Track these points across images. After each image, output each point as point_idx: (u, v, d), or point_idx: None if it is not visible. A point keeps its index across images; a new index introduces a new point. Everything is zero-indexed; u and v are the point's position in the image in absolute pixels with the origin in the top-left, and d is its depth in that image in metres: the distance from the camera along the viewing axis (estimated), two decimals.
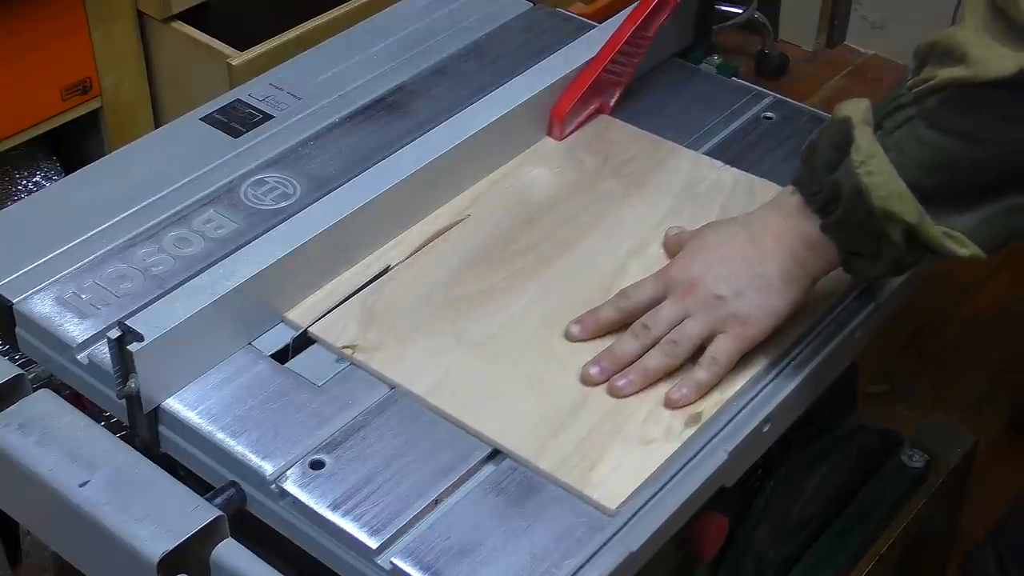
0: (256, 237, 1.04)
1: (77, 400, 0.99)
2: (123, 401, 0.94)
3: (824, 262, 0.96)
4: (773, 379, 0.97)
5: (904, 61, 2.56)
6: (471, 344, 0.98)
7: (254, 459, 0.90)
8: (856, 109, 0.91)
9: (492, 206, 1.11)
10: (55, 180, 1.73)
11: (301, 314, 1.00)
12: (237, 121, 1.19)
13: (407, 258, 1.06)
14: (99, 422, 0.94)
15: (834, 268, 0.96)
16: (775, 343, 0.97)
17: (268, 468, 0.89)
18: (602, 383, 0.95)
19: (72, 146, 1.79)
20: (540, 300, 1.02)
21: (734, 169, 1.15)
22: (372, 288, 1.03)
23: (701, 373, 0.94)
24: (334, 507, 0.87)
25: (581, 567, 0.84)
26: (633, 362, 0.95)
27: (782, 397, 0.96)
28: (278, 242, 1.01)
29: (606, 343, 0.97)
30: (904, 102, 0.90)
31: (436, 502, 0.87)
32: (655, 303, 0.97)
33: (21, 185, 1.74)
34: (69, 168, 1.76)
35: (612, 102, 1.21)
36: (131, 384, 0.93)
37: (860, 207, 0.89)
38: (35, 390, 0.96)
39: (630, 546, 0.85)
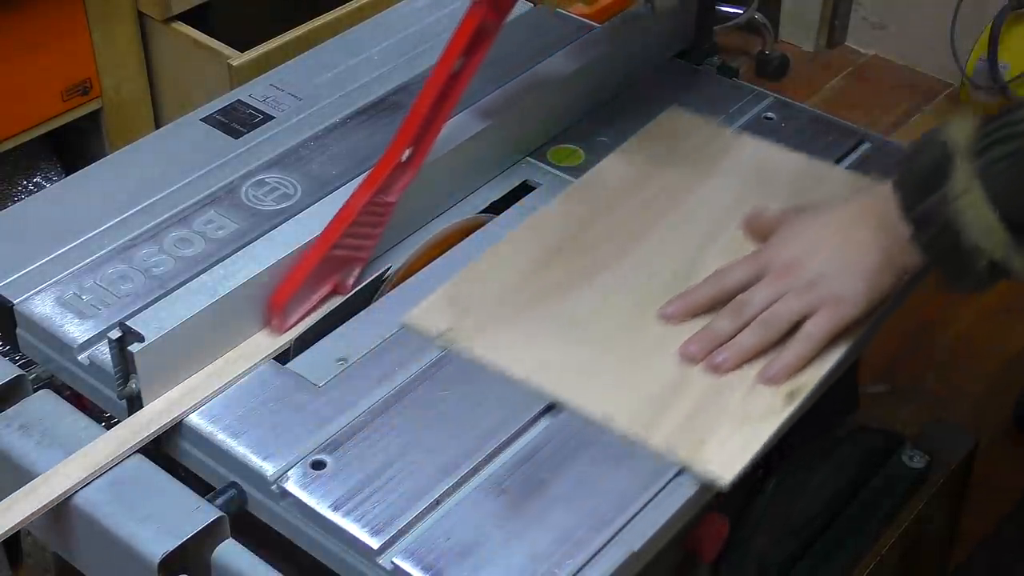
0: (257, 238, 1.04)
1: (78, 401, 0.99)
2: (124, 402, 0.94)
3: (915, 262, 0.98)
4: None
5: (904, 61, 2.56)
6: (565, 328, 0.99)
7: (255, 459, 0.90)
8: (961, 132, 0.93)
9: (566, 196, 1.13)
10: (55, 180, 1.73)
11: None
12: (237, 122, 1.19)
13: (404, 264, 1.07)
14: (100, 423, 0.94)
15: (923, 267, 0.98)
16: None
17: (269, 468, 0.89)
18: (700, 360, 0.96)
19: (72, 147, 1.79)
20: (626, 285, 1.03)
21: (796, 153, 1.17)
22: (456, 280, 1.04)
23: (796, 348, 0.96)
24: (335, 507, 0.87)
25: (582, 567, 0.84)
26: (729, 341, 0.97)
27: None
28: (279, 243, 1.01)
29: (697, 327, 0.99)
30: (1015, 132, 0.91)
31: (438, 502, 0.88)
32: (748, 285, 0.99)
33: (21, 185, 1.74)
34: (69, 168, 1.76)
35: (351, 280, 1.04)
36: (132, 385, 0.93)
37: (949, 237, 0.92)
38: (36, 391, 0.96)
39: (631, 546, 0.85)
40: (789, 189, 1.12)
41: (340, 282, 1.03)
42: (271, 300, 0.99)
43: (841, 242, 0.99)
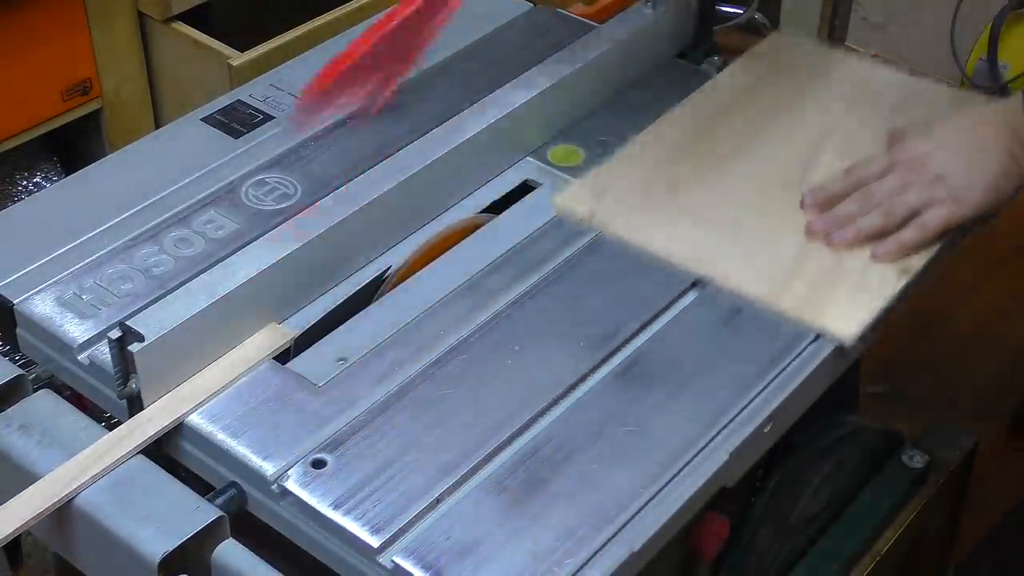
0: (257, 238, 1.04)
1: (78, 400, 0.99)
2: (124, 401, 0.94)
3: None
4: (774, 379, 0.97)
5: (904, 61, 2.56)
6: (695, 212, 1.11)
7: (255, 459, 0.90)
8: None
9: (684, 107, 1.22)
10: (55, 180, 1.73)
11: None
12: (238, 122, 1.19)
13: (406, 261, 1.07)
14: (100, 423, 0.94)
15: None
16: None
17: (269, 468, 0.89)
18: (822, 236, 1.06)
19: (72, 147, 1.79)
20: (746, 180, 1.14)
21: (895, 68, 1.28)
22: (596, 172, 1.15)
23: (908, 234, 1.05)
24: (335, 506, 0.87)
25: (583, 566, 0.84)
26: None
27: (783, 397, 0.96)
28: (279, 242, 1.01)
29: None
30: None
31: (438, 501, 0.88)
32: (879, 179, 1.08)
33: (21, 185, 1.74)
34: (69, 168, 1.76)
35: (381, 101, 1.13)
36: (132, 384, 0.93)
37: None
38: (36, 391, 0.96)
39: (632, 545, 0.85)
40: (895, 101, 1.22)
41: (370, 96, 1.08)
42: (302, 95, 1.05)
43: (968, 145, 1.07)
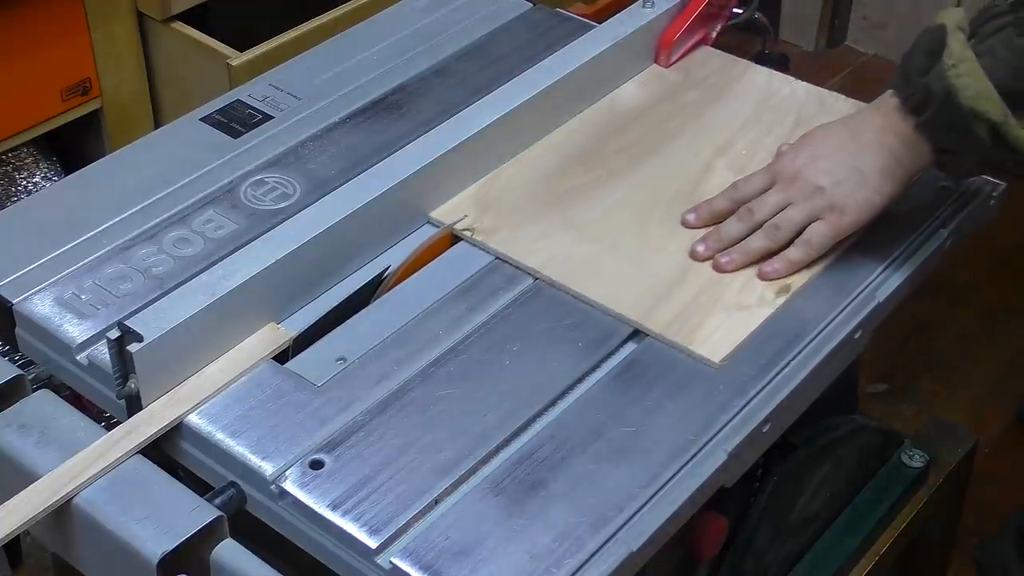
0: (256, 237, 1.04)
1: (77, 400, 0.99)
2: (123, 401, 0.94)
3: (918, 158, 1.03)
4: (773, 379, 0.97)
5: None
6: (576, 228, 1.09)
7: (254, 459, 0.90)
8: (951, 17, 0.98)
9: (585, 116, 1.21)
10: (55, 180, 1.73)
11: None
12: (237, 121, 1.19)
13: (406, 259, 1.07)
14: (99, 422, 0.94)
15: (927, 165, 1.03)
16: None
17: (268, 468, 0.89)
18: (707, 260, 1.05)
19: (72, 146, 1.79)
20: (636, 193, 1.12)
21: (805, 83, 1.25)
22: (483, 182, 1.13)
23: (794, 252, 1.04)
24: (334, 507, 0.87)
25: (581, 566, 0.84)
26: (736, 243, 1.05)
27: (782, 397, 0.96)
28: (278, 242, 1.01)
29: (698, 236, 1.07)
30: (1000, 11, 0.98)
31: (436, 501, 0.88)
32: (761, 194, 1.07)
33: (21, 185, 1.74)
34: (69, 168, 1.76)
35: (714, 34, 1.28)
36: (131, 384, 0.93)
37: (949, 107, 0.97)
38: (35, 390, 0.96)
39: (630, 545, 0.85)
40: (794, 113, 1.21)
41: (707, 34, 1.27)
42: (660, 40, 1.24)
43: (846, 149, 1.04)
